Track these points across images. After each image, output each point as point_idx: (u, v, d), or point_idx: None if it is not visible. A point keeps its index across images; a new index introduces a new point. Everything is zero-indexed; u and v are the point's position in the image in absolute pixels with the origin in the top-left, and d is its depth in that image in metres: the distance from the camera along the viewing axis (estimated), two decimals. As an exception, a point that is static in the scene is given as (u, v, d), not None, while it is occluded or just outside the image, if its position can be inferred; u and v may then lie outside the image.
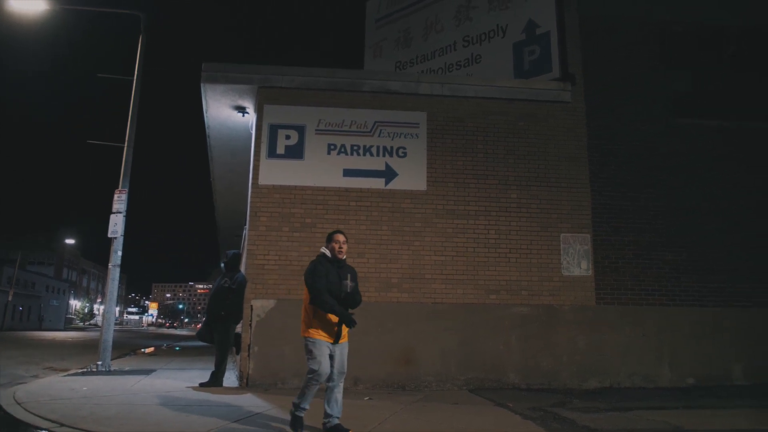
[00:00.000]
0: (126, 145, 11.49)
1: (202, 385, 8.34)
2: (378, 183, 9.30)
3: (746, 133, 10.39)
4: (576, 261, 9.46)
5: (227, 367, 9.02)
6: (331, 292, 5.24)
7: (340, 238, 5.49)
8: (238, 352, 8.97)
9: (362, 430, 5.40)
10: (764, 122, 10.53)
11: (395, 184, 9.32)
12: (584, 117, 10.03)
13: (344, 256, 5.50)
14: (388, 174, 9.33)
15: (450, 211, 9.35)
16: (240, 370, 8.70)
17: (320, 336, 5.20)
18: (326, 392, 5.32)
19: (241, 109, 10.26)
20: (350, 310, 5.40)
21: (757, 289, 9.71)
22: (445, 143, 9.59)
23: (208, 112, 10.51)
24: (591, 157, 9.89)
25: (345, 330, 5.35)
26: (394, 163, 9.38)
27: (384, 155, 9.39)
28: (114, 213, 10.83)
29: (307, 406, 5.25)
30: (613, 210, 9.76)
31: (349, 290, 5.36)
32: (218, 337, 8.72)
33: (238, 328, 9.09)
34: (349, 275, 5.47)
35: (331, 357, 5.25)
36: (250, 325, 8.68)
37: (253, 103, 9.84)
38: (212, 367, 8.66)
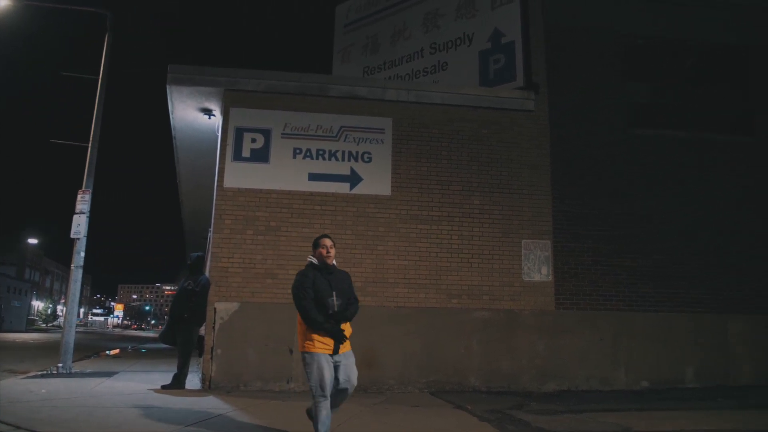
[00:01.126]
0: (90, 144, 11.39)
1: (164, 387, 8.32)
2: (343, 187, 9.38)
3: (702, 144, 10.72)
4: (536, 267, 9.66)
5: (191, 369, 9.00)
6: (320, 304, 4.94)
7: (327, 242, 5.19)
8: (200, 355, 8.96)
9: (320, 432, 5.46)
10: (719, 134, 10.89)
11: (360, 189, 9.42)
12: (547, 125, 10.25)
13: (333, 261, 5.20)
14: (353, 179, 9.43)
15: (414, 216, 9.49)
16: (203, 373, 8.70)
17: (317, 348, 4.86)
18: (332, 399, 4.97)
19: (208, 112, 10.26)
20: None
21: (708, 296, 10.04)
22: (410, 149, 9.72)
23: (174, 114, 10.49)
24: (553, 165, 10.11)
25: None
26: (359, 168, 9.47)
27: (349, 160, 9.48)
28: (77, 213, 10.73)
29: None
30: (574, 217, 9.99)
31: (336, 308, 4.94)
32: (181, 339, 8.71)
33: (202, 331, 9.08)
34: (339, 284, 5.11)
35: (336, 369, 4.93)
36: (214, 327, 8.68)
37: (220, 105, 9.85)
38: (176, 370, 8.64)
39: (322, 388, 4.80)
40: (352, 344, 5.08)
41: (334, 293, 4.98)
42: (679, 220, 10.27)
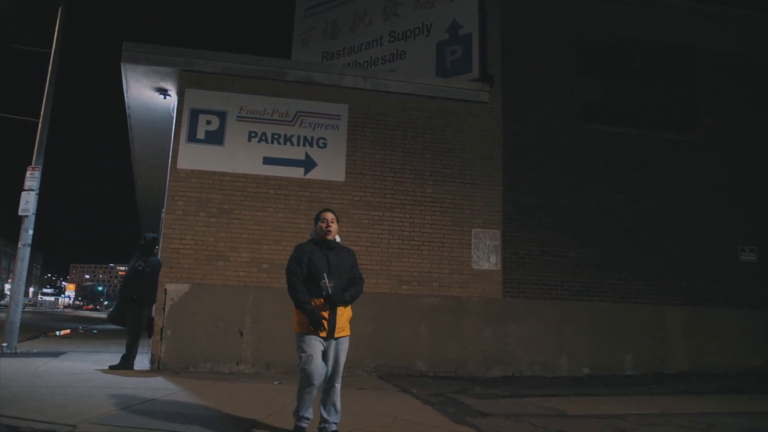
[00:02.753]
0: (41, 120, 11.16)
1: (112, 367, 8.29)
2: (297, 172, 9.44)
3: (650, 141, 11.10)
4: (486, 255, 9.90)
5: (141, 350, 8.98)
6: (315, 280, 4.61)
7: (328, 216, 4.83)
8: (150, 336, 8.95)
9: (265, 413, 5.58)
10: (666, 132, 11.27)
11: (314, 174, 9.49)
12: (500, 117, 10.46)
13: (334, 237, 4.83)
14: (308, 164, 9.49)
15: (367, 202, 9.60)
16: (152, 354, 8.69)
17: (310, 330, 4.55)
18: (321, 394, 4.71)
19: (163, 92, 10.15)
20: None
21: (648, 287, 10.47)
22: (365, 136, 9.82)
23: (129, 92, 10.34)
24: (505, 157, 10.34)
25: (343, 321, 4.71)
26: (314, 153, 9.54)
27: (304, 145, 9.53)
28: (26, 190, 10.53)
29: (310, 415, 4.67)
30: (524, 208, 10.26)
31: (330, 291, 4.57)
32: (130, 320, 8.65)
33: (153, 312, 9.06)
34: (340, 262, 4.76)
35: (325, 354, 4.63)
36: (164, 308, 8.68)
37: (175, 86, 9.75)
38: (125, 351, 8.61)
39: (310, 374, 4.50)
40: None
41: (325, 274, 4.61)
42: (625, 215, 10.65)
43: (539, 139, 10.61)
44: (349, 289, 4.78)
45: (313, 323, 4.51)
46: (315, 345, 4.54)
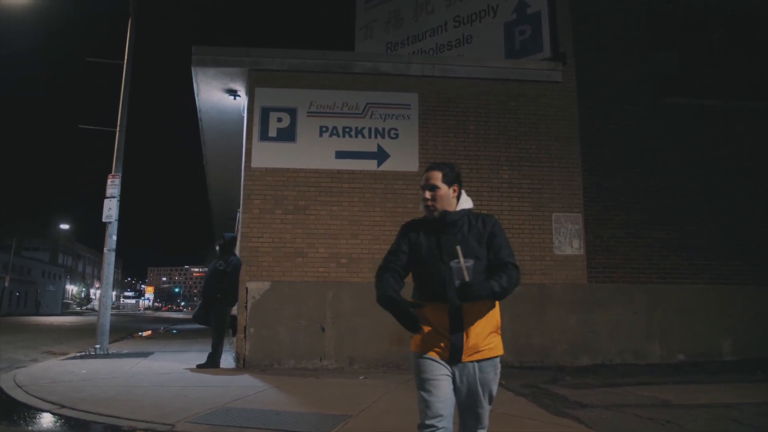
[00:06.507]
0: (118, 129, 11.50)
1: (199, 366, 8.43)
2: (370, 164, 9.34)
3: (734, 113, 10.44)
4: (568, 240, 9.55)
5: (224, 348, 9.11)
6: (425, 277, 2.87)
7: (429, 177, 2.99)
8: (234, 334, 9.07)
9: (356, 409, 5.49)
10: (752, 102, 10.56)
11: (387, 166, 9.36)
12: (575, 97, 10.05)
13: (442, 210, 2.93)
14: (380, 155, 9.37)
15: (442, 191, 9.39)
16: (237, 352, 8.80)
17: (421, 348, 2.83)
18: None
19: (233, 92, 10.27)
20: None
21: (743, 268, 9.82)
22: (437, 124, 9.62)
23: (200, 96, 10.51)
24: (582, 137, 9.93)
25: (481, 335, 2.77)
26: (386, 144, 9.41)
27: (376, 137, 9.42)
28: (108, 198, 10.86)
29: None
30: (604, 189, 9.82)
31: (468, 277, 2.62)
32: (214, 319, 8.79)
33: (234, 310, 9.17)
34: (463, 244, 2.78)
35: (456, 383, 2.78)
36: (246, 307, 8.76)
37: (245, 86, 9.84)
38: (209, 349, 8.74)
39: (424, 411, 2.72)
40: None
41: (458, 248, 2.71)
42: (713, 191, 10.03)
43: (616, 116, 10.12)
44: (498, 277, 2.73)
45: (405, 322, 2.73)
46: (433, 370, 2.79)
